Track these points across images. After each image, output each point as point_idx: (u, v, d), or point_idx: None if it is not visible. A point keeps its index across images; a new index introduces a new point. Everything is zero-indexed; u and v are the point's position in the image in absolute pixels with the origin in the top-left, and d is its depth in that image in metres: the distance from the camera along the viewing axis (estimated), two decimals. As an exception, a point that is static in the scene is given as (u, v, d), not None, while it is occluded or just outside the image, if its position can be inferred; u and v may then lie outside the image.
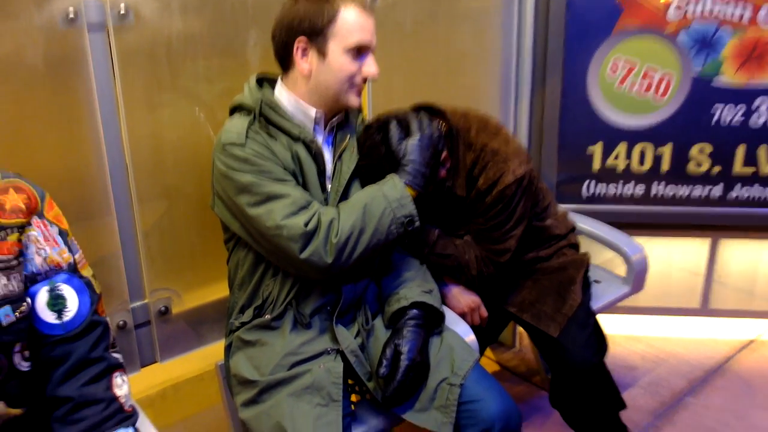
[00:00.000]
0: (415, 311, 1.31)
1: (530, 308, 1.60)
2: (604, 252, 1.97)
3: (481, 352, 1.53)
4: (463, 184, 1.48)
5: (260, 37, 1.48)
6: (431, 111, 1.50)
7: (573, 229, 1.72)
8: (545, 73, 2.11)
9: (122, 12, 1.29)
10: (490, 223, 1.47)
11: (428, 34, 1.85)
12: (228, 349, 1.39)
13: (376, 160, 1.31)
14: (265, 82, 1.35)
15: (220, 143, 1.24)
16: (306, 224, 1.18)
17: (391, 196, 1.23)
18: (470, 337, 1.39)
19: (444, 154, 1.43)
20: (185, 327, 1.54)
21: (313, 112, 1.30)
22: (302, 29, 1.24)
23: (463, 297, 1.54)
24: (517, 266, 1.62)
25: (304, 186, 1.29)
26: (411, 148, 1.28)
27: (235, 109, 1.33)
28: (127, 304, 1.45)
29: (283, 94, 1.32)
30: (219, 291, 1.56)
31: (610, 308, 1.81)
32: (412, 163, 1.27)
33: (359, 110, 1.44)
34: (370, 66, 1.28)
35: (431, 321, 1.34)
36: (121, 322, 1.44)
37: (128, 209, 1.40)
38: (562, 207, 1.83)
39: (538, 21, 2.08)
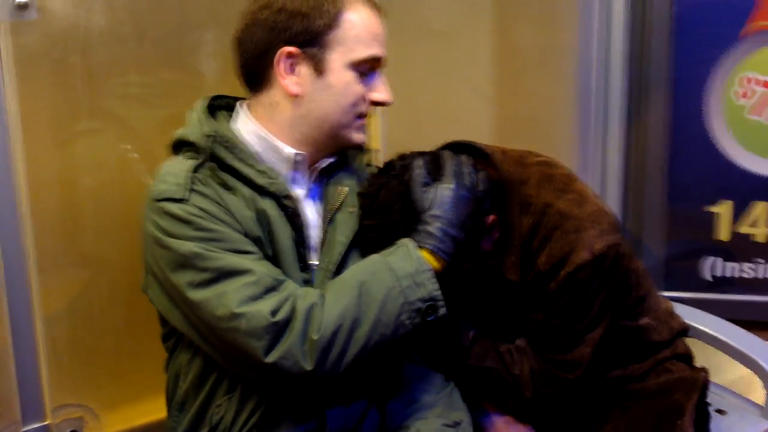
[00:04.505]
0: (435, 456, 1.27)
1: (617, 452, 1.51)
2: (734, 367, 1.91)
3: None
4: (516, 263, 1.44)
5: (221, 39, 1.47)
6: (470, 152, 1.47)
7: (683, 332, 1.64)
8: (644, 93, 2.13)
9: (20, 2, 1.31)
10: (553, 322, 1.44)
11: (468, 33, 1.87)
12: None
13: (392, 220, 1.29)
14: (221, 108, 1.36)
15: (152, 197, 1.23)
16: (274, 313, 1.16)
17: (402, 271, 1.20)
18: (522, 496, 1.37)
19: (491, 218, 1.40)
20: (104, 463, 1.53)
21: (291, 152, 1.30)
22: (291, 34, 1.26)
23: (511, 433, 1.50)
24: (596, 387, 1.55)
25: (275, 261, 1.27)
26: (441, 198, 1.28)
27: (177, 147, 1.33)
28: (19, 426, 1.44)
29: (247, 126, 1.32)
30: (153, 410, 1.52)
31: (744, 454, 1.68)
32: (439, 220, 1.26)
33: (362, 148, 1.44)
34: (381, 89, 1.31)
35: (460, 471, 1.30)
36: (9, 454, 1.44)
37: (23, 284, 1.40)
38: (669, 296, 1.75)
39: (634, 18, 2.09)
